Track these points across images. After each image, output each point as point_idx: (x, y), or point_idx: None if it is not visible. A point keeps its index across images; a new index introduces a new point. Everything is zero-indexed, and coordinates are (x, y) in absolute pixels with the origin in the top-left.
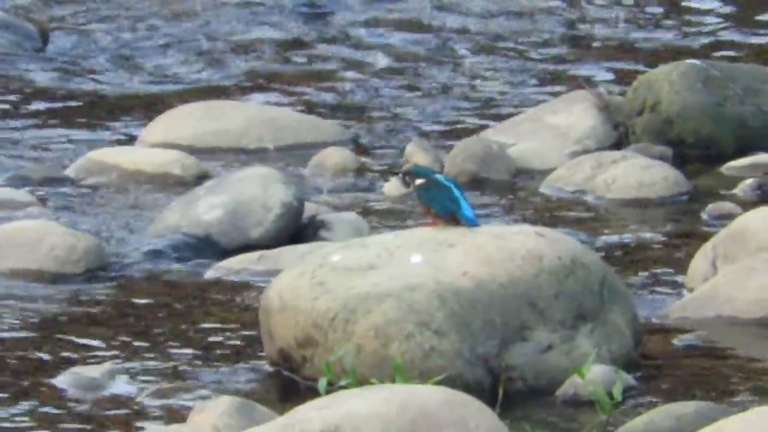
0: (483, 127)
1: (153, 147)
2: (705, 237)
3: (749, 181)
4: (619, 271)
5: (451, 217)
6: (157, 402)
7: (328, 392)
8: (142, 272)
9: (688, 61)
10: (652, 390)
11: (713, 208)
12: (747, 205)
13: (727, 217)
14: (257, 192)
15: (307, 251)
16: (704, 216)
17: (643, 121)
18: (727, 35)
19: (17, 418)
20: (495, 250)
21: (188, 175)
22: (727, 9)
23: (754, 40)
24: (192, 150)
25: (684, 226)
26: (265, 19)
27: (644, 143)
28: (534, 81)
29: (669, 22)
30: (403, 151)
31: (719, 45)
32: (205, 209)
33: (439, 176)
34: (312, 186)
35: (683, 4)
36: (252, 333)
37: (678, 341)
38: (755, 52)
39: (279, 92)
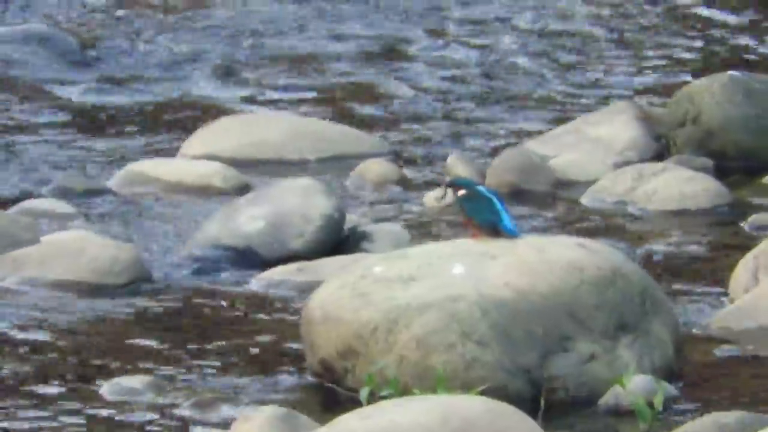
0: (525, 139)
1: (194, 159)
2: (746, 248)
3: None
4: (660, 281)
5: (493, 228)
6: (199, 413)
7: (369, 402)
8: (183, 284)
9: (729, 73)
10: (693, 400)
11: (754, 219)
12: None
13: None
14: (298, 203)
15: (348, 262)
16: (745, 227)
17: (685, 133)
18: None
19: (64, 424)
20: (536, 261)
21: (229, 187)
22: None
23: None
24: (233, 162)
25: (725, 237)
26: (303, 32)
27: (685, 155)
28: (575, 94)
29: (710, 34)
30: (445, 163)
31: (759, 58)
32: (246, 221)
33: (480, 187)
34: (353, 197)
35: (720, 17)
36: (294, 344)
37: (719, 351)
38: None
39: (320, 104)
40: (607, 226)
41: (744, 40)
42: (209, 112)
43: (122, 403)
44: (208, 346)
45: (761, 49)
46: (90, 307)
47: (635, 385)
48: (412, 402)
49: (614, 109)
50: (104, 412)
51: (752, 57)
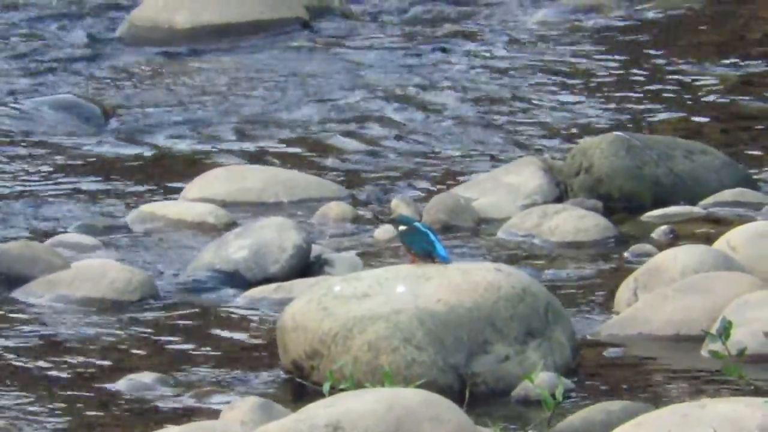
0: (453, 185)
1: (192, 201)
2: (628, 271)
3: (663, 227)
4: (560, 297)
5: (428, 256)
6: (196, 402)
7: (331, 394)
8: (184, 300)
9: (614, 133)
10: (587, 392)
11: (634, 249)
12: (661, 246)
13: (646, 256)
14: (275, 236)
15: (313, 283)
16: (627, 255)
17: (579, 180)
18: (645, 111)
19: (85, 414)
20: (462, 282)
21: (220, 224)
22: (645, 88)
23: (666, 115)
24: (223, 203)
25: (611, 263)
26: (282, 101)
27: (580, 198)
28: (493, 148)
29: (598, 101)
30: (390, 204)
31: (639, 119)
32: (234, 250)
33: (418, 224)
34: (318, 232)
35: (606, 89)
36: (271, 348)
37: (608, 353)
38: (667, 126)
39: (292, 157)
40: (518, 254)
41: (630, 104)
42: (204, 164)
43: (136, 395)
44: (204, 349)
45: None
46: (110, 318)
47: (541, 380)
48: (365, 394)
49: (523, 162)
50: (122, 403)
51: (636, 118)
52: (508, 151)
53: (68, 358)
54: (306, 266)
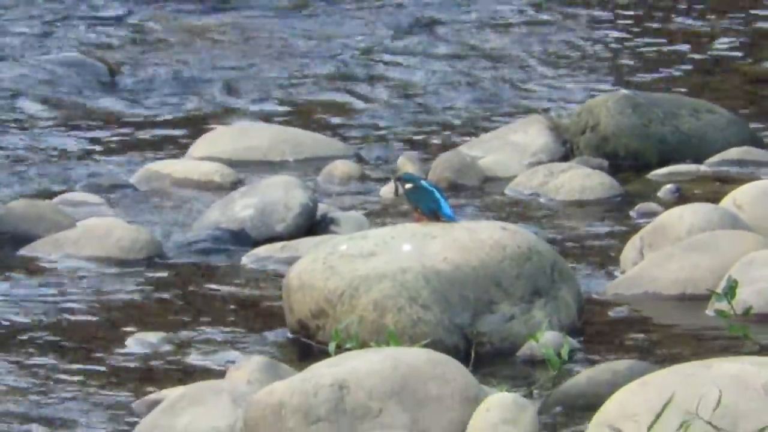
0: (459, 143)
1: (198, 160)
2: (634, 230)
3: (669, 186)
4: (566, 257)
5: (434, 214)
6: (202, 361)
7: (336, 354)
8: (190, 258)
9: (621, 91)
10: (592, 351)
11: (640, 207)
12: (667, 205)
13: (652, 215)
14: (281, 195)
15: (320, 242)
16: (633, 214)
17: (585, 139)
18: (652, 69)
19: (91, 373)
20: (468, 241)
21: (226, 182)
22: (652, 46)
23: (672, 74)
24: (229, 162)
25: (617, 221)
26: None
27: (586, 156)
28: (499, 107)
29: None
30: (396, 162)
31: (644, 79)
32: (240, 209)
33: (424, 182)
34: (324, 190)
35: (613, 46)
36: (276, 307)
37: (613, 313)
38: (673, 84)
39: (298, 116)
40: (524, 212)
41: (636, 64)
42: (210, 122)
43: (143, 354)
44: (209, 309)
45: (649, 72)
46: (116, 277)
47: (546, 340)
48: (370, 353)
49: (529, 120)
50: (129, 361)
51: (642, 77)
52: (514, 110)
53: (74, 317)
54: (312, 225)
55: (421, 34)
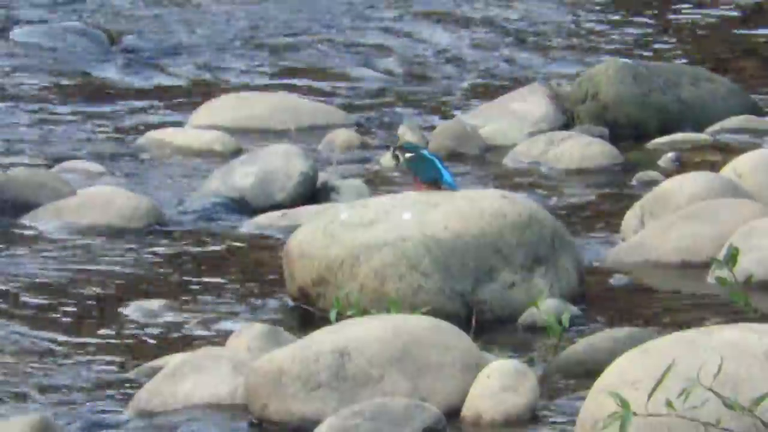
0: (460, 112)
1: (199, 128)
2: (635, 198)
3: (669, 154)
4: (566, 224)
5: (435, 183)
6: (203, 329)
7: (337, 321)
8: (190, 227)
9: (621, 60)
10: (593, 319)
11: (641, 176)
12: (668, 173)
13: (652, 183)
14: (281, 164)
15: (320, 210)
16: (634, 182)
17: (586, 108)
18: (652, 38)
19: (92, 341)
20: (469, 209)
21: (226, 151)
22: (652, 20)
23: (672, 43)
24: (230, 130)
25: (618, 190)
26: (289, 27)
27: (586, 125)
28: (499, 77)
29: (606, 29)
30: (397, 131)
31: (644, 48)
32: (240, 177)
33: (424, 151)
34: (324, 159)
35: (612, 17)
36: (277, 275)
37: (614, 281)
38: (673, 53)
39: (299, 84)
40: (524, 181)
41: (638, 33)
42: (211, 90)
43: (143, 322)
44: (210, 277)
45: (646, 43)
46: (116, 246)
47: (547, 307)
48: (371, 320)
49: (530, 89)
50: (130, 329)
51: (639, 48)
52: (514, 79)
53: (74, 285)
54: (312, 193)
55: (421, 4)
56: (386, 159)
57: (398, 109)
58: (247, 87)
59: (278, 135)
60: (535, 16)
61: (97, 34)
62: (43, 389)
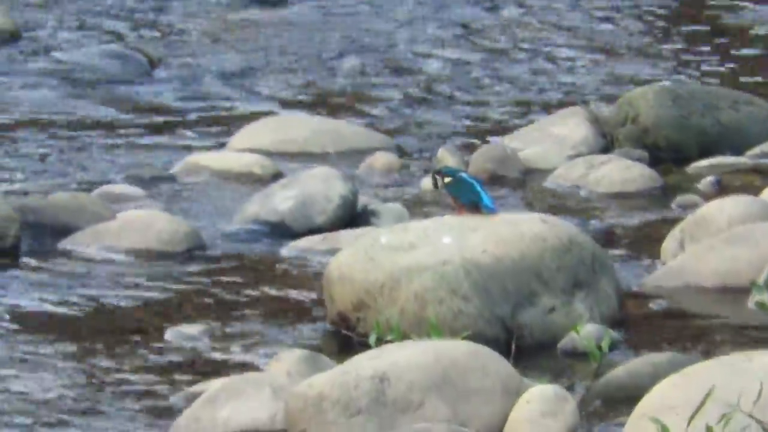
0: (499, 135)
1: (238, 151)
2: (674, 222)
3: (709, 178)
4: (606, 248)
5: (474, 207)
6: (243, 354)
7: (377, 346)
8: (230, 251)
9: (660, 83)
10: (633, 344)
11: (681, 199)
12: (708, 197)
13: (692, 207)
14: (321, 187)
15: (360, 234)
16: (674, 206)
17: (626, 131)
18: (691, 61)
19: (135, 363)
20: (508, 233)
21: (266, 174)
22: (689, 43)
23: (712, 66)
24: (269, 154)
25: (658, 213)
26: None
27: (626, 148)
28: (539, 100)
29: (646, 51)
30: (436, 155)
31: (684, 71)
32: (280, 201)
33: (464, 174)
34: (364, 182)
35: (646, 40)
36: (317, 299)
37: (654, 305)
38: (713, 76)
39: (339, 107)
40: (564, 205)
41: (676, 54)
42: (251, 114)
43: (183, 346)
44: (249, 301)
45: (685, 66)
46: (156, 270)
47: (587, 332)
48: (411, 345)
49: (569, 112)
50: (169, 353)
51: (679, 71)
52: (554, 102)
53: (114, 310)
54: (352, 217)
55: (461, 27)
56: (426, 182)
57: (438, 132)
58: (286, 110)
59: (318, 158)
60: (574, 38)
61: (136, 57)
62: (82, 414)
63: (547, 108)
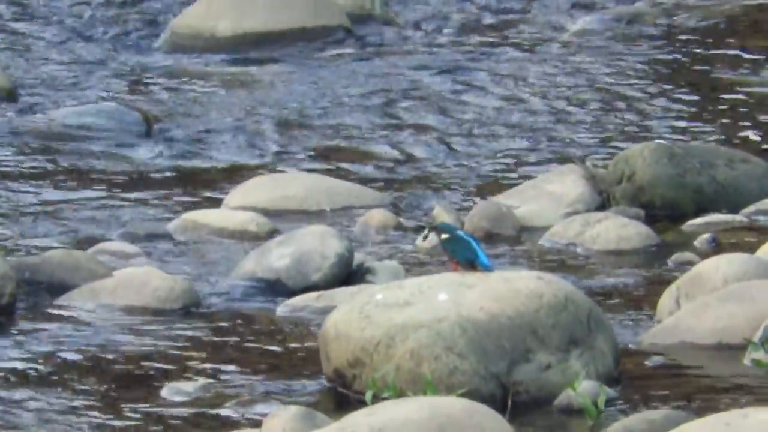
0: (494, 193)
1: (234, 209)
2: (670, 280)
3: (705, 235)
4: (602, 306)
5: (470, 264)
6: (239, 410)
7: (373, 403)
8: (226, 308)
9: (656, 141)
10: (629, 401)
11: (677, 257)
12: (703, 254)
13: (688, 264)
14: (317, 245)
15: (356, 291)
16: (670, 264)
17: (622, 189)
18: (687, 119)
19: (126, 423)
20: (504, 290)
21: (262, 232)
22: (685, 99)
23: (707, 124)
24: (265, 212)
25: (653, 271)
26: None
27: (622, 206)
28: (535, 157)
29: (640, 109)
30: (432, 212)
31: (679, 128)
32: (276, 258)
33: (460, 232)
34: (359, 240)
35: (647, 97)
36: (313, 356)
37: (650, 362)
38: (708, 134)
39: (334, 165)
40: (560, 262)
41: (672, 112)
42: (246, 172)
43: (178, 403)
44: (245, 358)
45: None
46: (152, 327)
47: (583, 389)
48: (407, 402)
49: (565, 170)
50: (164, 410)
51: (675, 129)
52: (549, 160)
53: (110, 367)
54: (348, 274)
55: (456, 83)
56: (421, 240)
57: (433, 190)
58: (281, 168)
59: (313, 216)
60: (570, 94)
61: (132, 114)
62: None
63: (544, 164)
